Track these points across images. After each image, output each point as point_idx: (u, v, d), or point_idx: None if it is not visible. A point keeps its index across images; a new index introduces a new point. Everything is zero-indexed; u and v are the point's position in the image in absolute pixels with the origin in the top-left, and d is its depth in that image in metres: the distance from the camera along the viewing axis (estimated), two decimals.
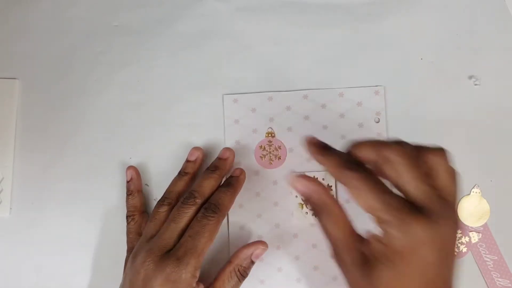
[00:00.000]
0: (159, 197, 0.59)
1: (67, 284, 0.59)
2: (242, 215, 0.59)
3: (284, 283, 0.58)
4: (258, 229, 0.59)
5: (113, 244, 0.60)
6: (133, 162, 0.61)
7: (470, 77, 0.60)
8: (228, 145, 0.60)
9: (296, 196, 0.59)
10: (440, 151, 0.43)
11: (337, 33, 0.62)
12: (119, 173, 0.61)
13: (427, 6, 0.62)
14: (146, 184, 0.61)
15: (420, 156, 0.42)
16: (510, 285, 0.57)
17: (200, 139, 0.61)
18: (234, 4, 0.63)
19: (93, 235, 0.60)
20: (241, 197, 0.58)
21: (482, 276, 0.57)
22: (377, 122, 0.60)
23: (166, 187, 0.58)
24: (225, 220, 0.59)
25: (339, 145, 0.59)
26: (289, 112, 0.61)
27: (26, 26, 0.64)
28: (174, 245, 0.51)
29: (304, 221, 0.59)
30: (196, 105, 0.62)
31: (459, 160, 0.59)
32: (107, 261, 0.60)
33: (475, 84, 0.60)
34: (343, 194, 0.59)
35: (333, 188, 0.59)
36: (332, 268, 0.57)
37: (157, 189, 0.60)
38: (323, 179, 0.59)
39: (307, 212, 0.59)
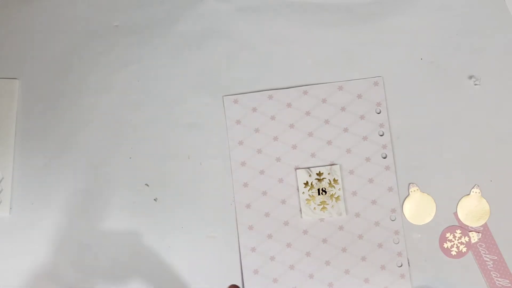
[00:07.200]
0: (159, 197, 0.60)
1: (67, 283, 0.59)
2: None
3: (296, 279, 0.59)
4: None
5: (113, 244, 0.60)
6: (133, 162, 0.61)
7: (470, 77, 0.60)
8: (232, 146, 0.60)
9: (303, 193, 0.59)
10: None
11: (337, 33, 0.62)
12: (119, 173, 0.61)
13: (427, 6, 0.62)
14: (146, 184, 0.61)
15: None
16: (509, 285, 0.57)
17: (201, 139, 0.61)
18: (234, 4, 0.63)
19: (93, 235, 0.60)
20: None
21: (482, 276, 0.57)
22: (379, 113, 0.60)
23: (166, 187, 0.58)
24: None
25: (342, 139, 0.59)
26: (290, 109, 0.61)
27: (26, 26, 0.64)
28: None
29: (313, 216, 0.59)
30: (196, 105, 0.62)
31: (459, 160, 0.59)
32: (107, 261, 0.59)
33: (475, 84, 0.60)
34: (349, 187, 0.59)
35: (339, 181, 0.59)
36: (344, 262, 0.58)
37: (157, 189, 0.60)
38: (328, 173, 0.59)
39: (315, 208, 0.59)
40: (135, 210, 0.60)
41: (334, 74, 0.61)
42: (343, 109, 0.60)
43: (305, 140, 0.60)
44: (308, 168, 0.60)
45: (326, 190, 0.59)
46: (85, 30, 0.64)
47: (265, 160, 0.60)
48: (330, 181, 0.59)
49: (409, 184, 0.59)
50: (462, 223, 0.58)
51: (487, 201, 0.58)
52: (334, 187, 0.59)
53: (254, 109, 0.61)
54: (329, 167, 0.59)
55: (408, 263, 0.58)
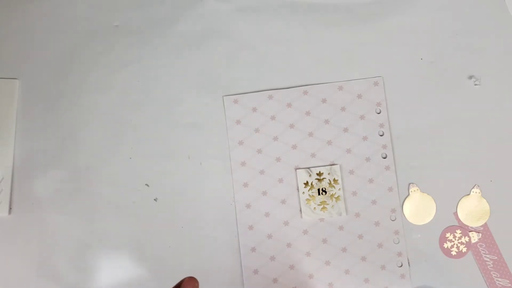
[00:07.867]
0: (159, 197, 0.60)
1: (67, 283, 0.59)
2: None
3: (296, 279, 0.59)
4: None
5: (113, 244, 0.60)
6: (133, 162, 0.61)
7: (470, 77, 0.60)
8: (232, 146, 0.60)
9: (303, 193, 0.59)
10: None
11: (337, 33, 0.62)
12: (119, 173, 0.61)
13: (427, 6, 0.62)
14: (146, 184, 0.61)
15: None
16: (509, 285, 0.57)
17: (201, 139, 0.61)
18: (234, 4, 0.63)
19: (93, 235, 0.60)
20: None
21: (482, 276, 0.57)
22: (379, 113, 0.60)
23: (166, 187, 0.58)
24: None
25: (342, 139, 0.59)
26: (290, 109, 0.61)
27: (26, 26, 0.64)
28: None
29: (313, 216, 0.59)
30: (196, 105, 0.62)
31: (459, 160, 0.59)
32: (106, 261, 0.59)
33: (475, 84, 0.60)
34: (349, 187, 0.59)
35: (339, 181, 0.59)
36: (344, 262, 0.58)
37: (157, 189, 0.60)
38: (328, 173, 0.59)
39: (315, 208, 0.59)
40: (135, 210, 0.60)
41: (334, 74, 0.61)
42: (343, 109, 0.60)
43: (305, 140, 0.60)
44: (308, 168, 0.60)
45: (326, 190, 0.59)
46: (85, 30, 0.64)
47: (265, 160, 0.60)
48: (330, 181, 0.59)
49: (409, 184, 0.59)
50: (462, 223, 0.58)
51: (487, 201, 0.58)
52: (334, 187, 0.59)
53: (254, 109, 0.61)
54: (329, 167, 0.59)
55: (408, 263, 0.58)
